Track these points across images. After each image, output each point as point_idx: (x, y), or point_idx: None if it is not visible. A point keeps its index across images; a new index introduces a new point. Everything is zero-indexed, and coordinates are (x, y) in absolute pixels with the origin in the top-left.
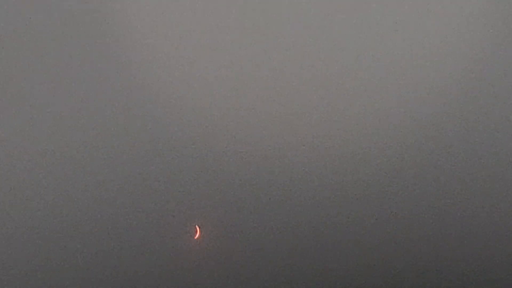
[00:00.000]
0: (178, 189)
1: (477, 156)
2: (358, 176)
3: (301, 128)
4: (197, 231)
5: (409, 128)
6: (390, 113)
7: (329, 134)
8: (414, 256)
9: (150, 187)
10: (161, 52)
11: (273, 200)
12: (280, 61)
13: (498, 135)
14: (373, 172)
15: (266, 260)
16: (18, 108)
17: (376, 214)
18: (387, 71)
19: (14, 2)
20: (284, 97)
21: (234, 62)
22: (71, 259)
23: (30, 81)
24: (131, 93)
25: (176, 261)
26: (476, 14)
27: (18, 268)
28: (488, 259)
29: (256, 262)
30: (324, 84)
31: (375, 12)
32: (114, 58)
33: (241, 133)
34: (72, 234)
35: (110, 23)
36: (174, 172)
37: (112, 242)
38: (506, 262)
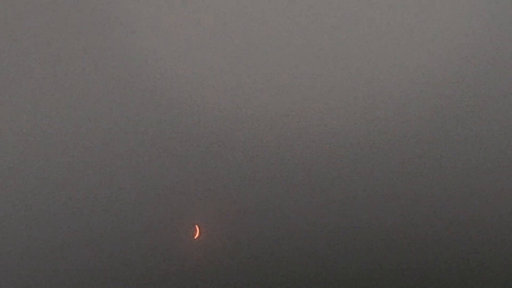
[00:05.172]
0: (178, 189)
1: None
2: (363, 175)
3: (301, 128)
4: (197, 231)
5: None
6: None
7: (330, 132)
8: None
9: (150, 187)
10: (161, 50)
11: (273, 200)
12: (280, 58)
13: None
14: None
15: (266, 260)
16: (18, 105)
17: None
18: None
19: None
20: (284, 96)
21: (235, 61)
22: (71, 259)
23: (31, 77)
24: (131, 91)
25: (176, 261)
26: (475, 12)
27: (18, 267)
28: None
29: (256, 261)
30: (324, 82)
31: (375, 9)
32: (114, 57)
33: (241, 133)
34: (72, 234)
35: (113, 19)
36: (175, 172)
37: (112, 242)
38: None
